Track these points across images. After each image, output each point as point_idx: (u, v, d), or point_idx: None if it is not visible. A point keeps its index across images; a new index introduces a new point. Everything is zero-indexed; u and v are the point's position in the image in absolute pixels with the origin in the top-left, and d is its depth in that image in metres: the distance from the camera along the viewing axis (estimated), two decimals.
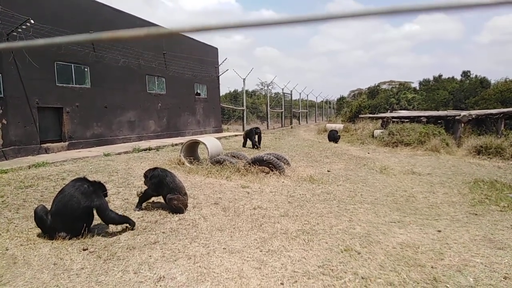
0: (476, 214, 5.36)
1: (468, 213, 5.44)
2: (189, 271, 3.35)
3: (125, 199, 5.81)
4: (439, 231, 4.57)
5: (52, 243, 3.87)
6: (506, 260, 3.61)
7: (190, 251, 3.82)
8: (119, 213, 4.58)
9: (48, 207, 4.18)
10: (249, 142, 13.79)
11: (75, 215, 3.88)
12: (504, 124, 15.20)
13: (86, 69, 12.99)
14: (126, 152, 11.67)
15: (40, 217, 3.93)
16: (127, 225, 4.38)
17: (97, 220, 4.34)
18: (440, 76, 41.24)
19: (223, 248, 3.89)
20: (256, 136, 13.64)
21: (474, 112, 16.53)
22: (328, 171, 8.87)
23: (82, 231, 3.98)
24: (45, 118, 11.47)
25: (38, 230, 4.14)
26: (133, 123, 15.49)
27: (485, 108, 21.14)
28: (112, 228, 4.36)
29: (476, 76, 37.91)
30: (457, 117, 15.74)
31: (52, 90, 11.60)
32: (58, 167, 8.53)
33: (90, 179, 4.20)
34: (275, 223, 4.79)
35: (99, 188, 4.12)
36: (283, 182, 7.42)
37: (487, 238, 4.31)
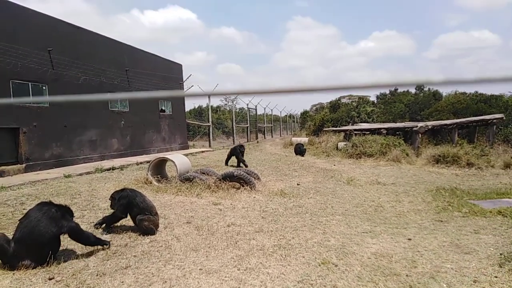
0: (441, 221, 5.60)
1: (434, 220, 5.67)
2: None
3: (91, 222, 5.52)
4: (410, 239, 4.72)
5: (13, 274, 3.58)
6: (474, 264, 3.78)
7: (165, 274, 3.67)
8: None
9: (7, 234, 3.89)
10: (233, 160, 13.10)
11: (42, 241, 3.62)
12: (457, 134, 16.18)
13: (44, 88, 12.41)
14: (88, 173, 11.16)
15: None
16: (100, 247, 4.27)
17: (63, 246, 4.11)
18: (396, 90, 43.32)
19: (199, 269, 3.78)
20: (241, 155, 12.90)
21: (430, 123, 17.45)
22: (298, 184, 8.97)
23: (48, 259, 3.72)
24: (0, 140, 10.78)
25: None
26: (95, 142, 14.91)
27: (439, 119, 22.38)
28: (80, 253, 4.12)
29: (429, 89, 40.19)
30: (414, 128, 16.56)
31: (7, 110, 10.95)
32: (15, 191, 7.99)
33: (56, 202, 3.97)
34: (251, 239, 4.74)
35: (66, 212, 3.89)
36: (254, 197, 7.39)
37: (454, 243, 4.50)
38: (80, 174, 10.76)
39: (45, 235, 3.67)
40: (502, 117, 16.02)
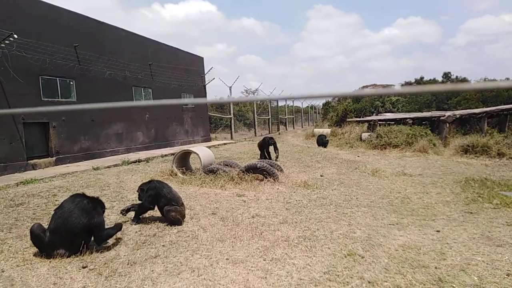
0: (471, 213, 5.45)
1: (463, 212, 5.53)
2: (194, 285, 3.29)
3: (120, 213, 5.69)
4: (438, 231, 4.63)
5: (50, 262, 3.76)
6: (507, 257, 3.67)
7: (193, 263, 3.76)
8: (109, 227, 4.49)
9: (42, 224, 4.07)
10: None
11: (74, 231, 3.79)
12: (487, 123, 15.59)
13: (71, 83, 12.80)
14: (115, 165, 11.48)
15: (36, 235, 3.82)
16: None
17: None
18: (421, 78, 42.12)
19: (226, 259, 3.85)
20: (272, 147, 12.01)
21: (458, 112, 16.90)
22: (321, 175, 8.91)
23: (81, 248, 3.88)
24: (31, 134, 11.23)
25: (34, 250, 4.02)
26: (121, 135, 15.29)
27: (467, 108, 21.66)
28: (111, 243, 4.27)
29: (456, 77, 38.89)
30: (442, 118, 16.07)
31: (37, 105, 11.37)
32: (47, 183, 8.33)
33: (88, 195, 4.12)
34: (275, 230, 4.77)
35: (98, 205, 4.04)
36: (278, 189, 7.41)
37: (485, 236, 4.38)
38: (108, 167, 11.08)
39: (77, 226, 3.82)
40: None
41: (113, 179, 8.65)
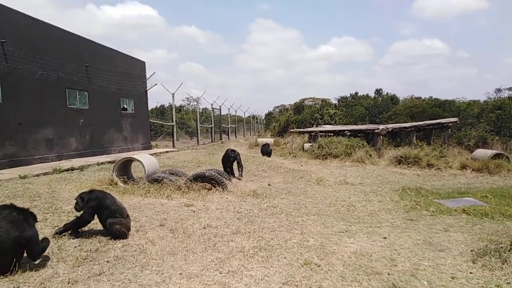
0: (412, 220, 5.79)
1: (404, 219, 5.85)
2: None
3: (55, 226, 5.14)
4: (385, 237, 4.83)
5: None
6: (449, 261, 3.92)
7: (143, 280, 3.48)
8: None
9: None
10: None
11: (3, 248, 3.30)
12: (415, 136, 16.95)
13: None
14: (45, 173, 10.47)
15: None
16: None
17: None
18: (356, 93, 44.87)
19: (179, 274, 3.62)
20: (235, 163, 10.16)
21: (390, 126, 18.15)
22: (269, 185, 8.95)
23: (12, 267, 3.39)
24: None
25: None
26: (52, 141, 14.04)
27: (397, 122, 23.35)
28: (47, 259, 3.80)
29: (387, 93, 42.03)
30: (376, 131, 17.12)
31: None
32: None
33: (18, 206, 3.63)
34: (229, 241, 4.63)
35: (30, 216, 3.57)
36: (227, 198, 7.27)
37: (427, 241, 4.66)
38: (37, 175, 10.07)
39: (6, 242, 3.35)
40: (456, 121, 17.00)
41: (44, 188, 7.86)
